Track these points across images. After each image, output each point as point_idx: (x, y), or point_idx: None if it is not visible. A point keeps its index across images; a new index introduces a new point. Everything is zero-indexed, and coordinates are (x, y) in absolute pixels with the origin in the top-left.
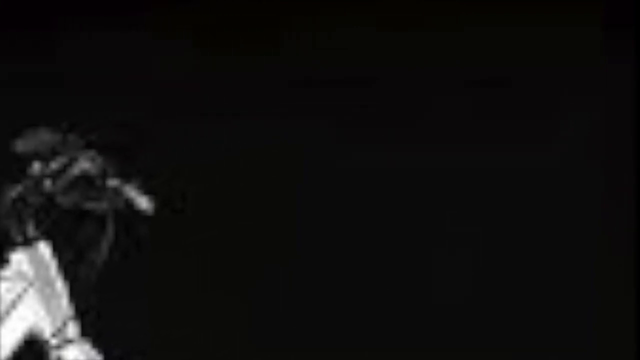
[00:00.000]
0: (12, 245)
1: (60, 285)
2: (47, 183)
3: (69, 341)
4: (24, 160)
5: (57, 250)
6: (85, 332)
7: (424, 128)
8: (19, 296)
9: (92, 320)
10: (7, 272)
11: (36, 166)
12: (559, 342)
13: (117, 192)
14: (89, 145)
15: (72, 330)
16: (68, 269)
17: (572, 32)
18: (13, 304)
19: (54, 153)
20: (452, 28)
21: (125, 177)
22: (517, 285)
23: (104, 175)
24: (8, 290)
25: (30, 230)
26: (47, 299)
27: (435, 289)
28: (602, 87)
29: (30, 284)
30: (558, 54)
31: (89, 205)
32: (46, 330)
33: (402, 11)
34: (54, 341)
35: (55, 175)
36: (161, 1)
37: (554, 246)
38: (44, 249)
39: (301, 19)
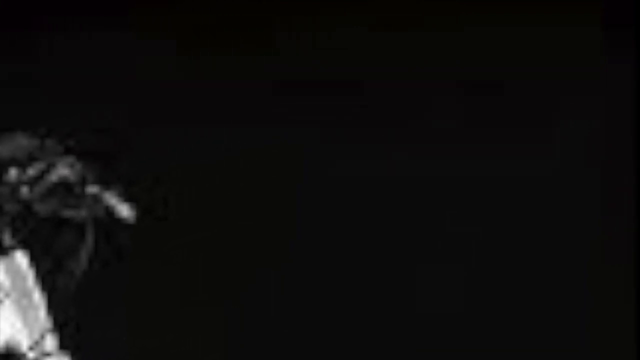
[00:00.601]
0: None
1: (37, 297)
2: (24, 190)
3: (47, 354)
4: (0, 166)
5: (34, 260)
6: (64, 345)
7: (417, 131)
8: None
9: (71, 332)
10: None
11: (13, 172)
12: (555, 351)
13: (96, 199)
14: (67, 151)
15: (50, 343)
16: (46, 280)
17: (570, 32)
18: None
19: (31, 159)
20: (446, 28)
21: (106, 184)
22: (513, 295)
23: (83, 182)
24: None
25: (7, 239)
26: (24, 311)
27: (428, 295)
28: (601, 90)
29: (7, 295)
30: (555, 55)
31: (68, 213)
32: (23, 343)
33: (396, 11)
34: (31, 355)
35: (32, 182)
36: (143, 2)
37: (552, 255)
38: (20, 258)
39: (293, 19)
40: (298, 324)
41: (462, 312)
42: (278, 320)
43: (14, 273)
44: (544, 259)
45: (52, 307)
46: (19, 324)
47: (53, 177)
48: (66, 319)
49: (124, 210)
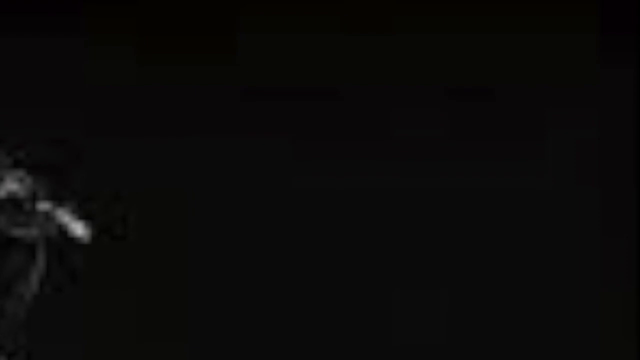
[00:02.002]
0: None
1: None
2: None
3: None
4: None
5: None
6: None
7: (399, 142)
8: None
9: None
10: None
11: None
12: None
13: (48, 216)
14: (16, 164)
15: None
16: None
17: (564, 37)
18: None
19: None
20: (431, 31)
21: (58, 199)
22: (502, 328)
23: (33, 198)
24: None
25: None
26: None
27: (406, 323)
28: (597, 98)
29: None
30: (548, 61)
31: (17, 231)
32: None
33: (375, 12)
34: None
35: None
36: (98, 0)
37: (545, 280)
38: None
39: (260, 21)
40: (263, 349)
41: (444, 344)
42: (240, 346)
43: None
44: (536, 284)
45: (0, 334)
46: None
47: (1, 192)
48: (15, 347)
49: (79, 229)
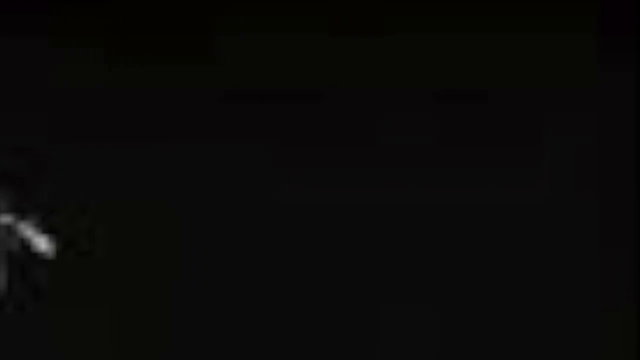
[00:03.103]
0: None
1: None
2: None
3: None
4: None
5: None
6: None
7: (385, 150)
8: None
9: None
10: None
11: None
12: None
13: (10, 230)
14: None
15: None
16: None
17: (562, 38)
18: None
19: None
20: (419, 32)
21: (21, 212)
22: (495, 346)
23: None
24: None
25: None
26: None
27: (393, 341)
28: (596, 102)
29: None
30: (544, 63)
31: None
32: None
33: (360, 12)
34: None
35: None
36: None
37: (544, 298)
38: None
39: (238, 21)
40: None
41: None
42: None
43: None
44: (532, 300)
45: None
46: None
47: None
48: None
49: (42, 244)
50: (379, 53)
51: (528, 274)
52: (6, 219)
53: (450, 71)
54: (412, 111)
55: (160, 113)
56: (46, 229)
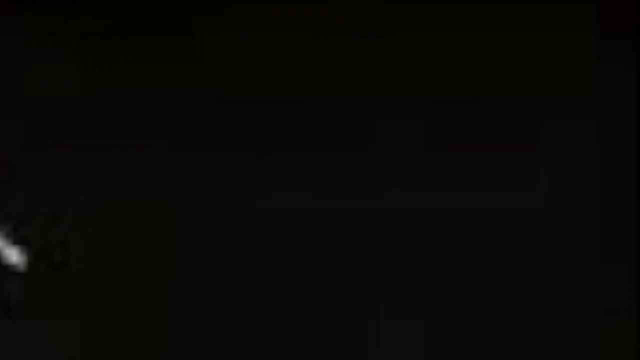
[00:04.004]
0: None
1: None
2: None
3: None
4: None
5: None
6: None
7: (371, 157)
8: None
9: None
10: None
11: None
12: None
13: None
14: None
15: None
16: None
17: (559, 38)
18: None
19: None
20: (407, 32)
21: None
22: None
23: None
24: None
25: None
26: None
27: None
28: (596, 107)
29: None
30: (540, 65)
31: None
32: None
33: (345, 13)
34: None
35: None
36: None
37: (541, 312)
38: None
39: (219, 21)
40: None
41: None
42: None
43: None
44: (528, 314)
45: None
46: None
47: None
48: None
49: (13, 255)
50: (367, 57)
51: (525, 287)
52: None
53: (442, 75)
54: (402, 118)
55: (138, 118)
56: (17, 240)
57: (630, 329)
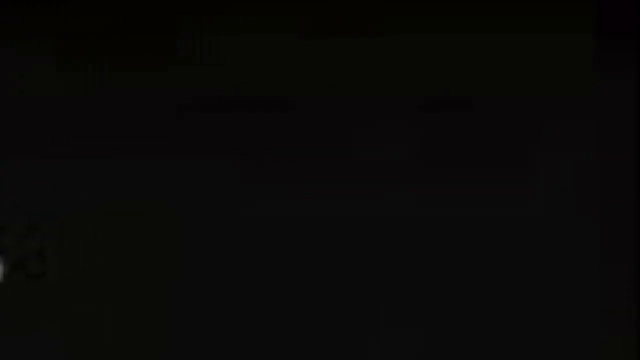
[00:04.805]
0: None
1: None
2: None
3: None
4: None
5: None
6: None
7: (361, 163)
8: None
9: None
10: None
11: None
12: None
13: None
14: None
15: None
16: None
17: (556, 39)
18: None
19: None
20: (398, 32)
21: None
22: None
23: None
24: None
25: None
26: None
27: None
28: (594, 112)
29: None
30: (537, 68)
31: None
32: None
33: (331, 12)
34: None
35: None
36: None
37: (538, 323)
38: None
39: (201, 21)
40: None
41: None
42: None
43: None
44: (524, 327)
45: None
46: None
47: None
48: None
49: None
50: (354, 57)
51: (519, 297)
52: None
53: (434, 77)
54: (392, 121)
55: (114, 123)
56: None
57: (631, 331)
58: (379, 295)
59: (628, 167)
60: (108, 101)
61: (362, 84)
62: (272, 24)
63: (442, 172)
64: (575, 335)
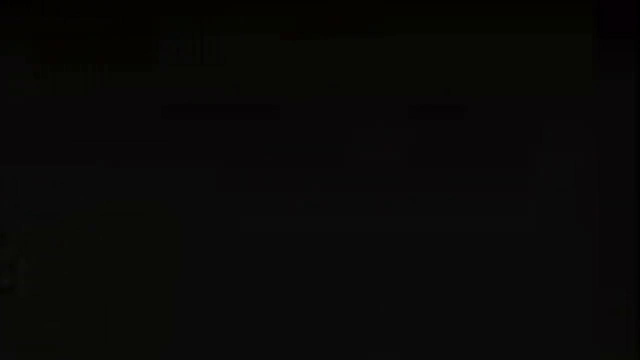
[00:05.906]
0: None
1: None
2: None
3: None
4: None
5: None
6: None
7: (351, 169)
8: None
9: None
10: None
11: None
12: None
13: None
14: None
15: None
16: None
17: (554, 40)
18: None
19: None
20: (388, 34)
21: None
22: None
23: None
24: None
25: None
26: None
27: None
28: (594, 113)
29: None
30: (534, 68)
31: None
32: None
33: (319, 12)
34: None
35: None
36: None
37: (533, 337)
38: None
39: (182, 22)
40: None
41: None
42: None
43: None
44: (521, 343)
45: None
46: None
47: None
48: None
49: None
50: (344, 59)
51: (515, 310)
52: None
53: (427, 80)
54: (383, 126)
55: (92, 127)
56: None
57: (631, 332)
58: (378, 295)
59: (628, 167)
60: (85, 104)
61: (362, 84)
62: (257, 26)
63: (442, 173)
64: (575, 335)
